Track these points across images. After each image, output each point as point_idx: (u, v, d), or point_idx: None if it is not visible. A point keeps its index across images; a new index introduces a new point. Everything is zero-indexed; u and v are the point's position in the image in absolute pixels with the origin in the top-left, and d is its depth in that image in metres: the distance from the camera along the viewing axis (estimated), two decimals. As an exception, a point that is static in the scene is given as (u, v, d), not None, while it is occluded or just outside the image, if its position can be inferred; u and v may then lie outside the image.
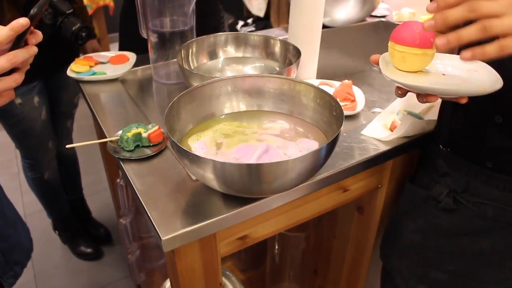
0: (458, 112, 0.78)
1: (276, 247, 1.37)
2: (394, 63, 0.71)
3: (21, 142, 1.59)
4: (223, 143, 0.80)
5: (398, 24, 0.73)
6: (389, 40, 0.70)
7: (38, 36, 0.67)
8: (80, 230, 2.00)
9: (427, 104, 0.93)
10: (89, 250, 1.96)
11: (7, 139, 1.62)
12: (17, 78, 0.66)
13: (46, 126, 1.59)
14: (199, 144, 0.80)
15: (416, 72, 0.70)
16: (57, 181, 1.79)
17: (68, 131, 1.78)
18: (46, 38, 0.68)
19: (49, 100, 1.59)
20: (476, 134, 0.75)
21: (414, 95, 0.69)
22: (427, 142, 0.89)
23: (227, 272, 1.40)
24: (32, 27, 0.64)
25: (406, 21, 0.70)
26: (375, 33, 1.56)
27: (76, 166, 1.94)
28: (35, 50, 0.66)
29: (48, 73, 1.54)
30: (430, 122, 0.90)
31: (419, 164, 0.91)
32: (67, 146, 0.88)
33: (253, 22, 3.27)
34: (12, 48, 0.64)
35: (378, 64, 0.71)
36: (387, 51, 0.72)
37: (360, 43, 1.55)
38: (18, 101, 1.43)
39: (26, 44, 0.65)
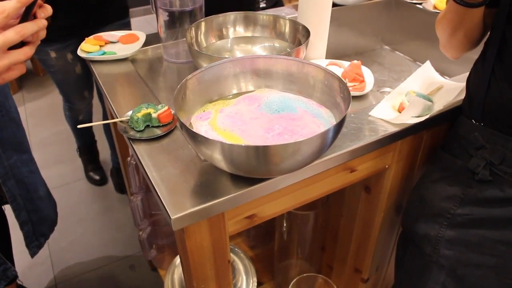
0: (492, 88, 0.78)
1: (285, 224, 1.39)
2: None
3: (60, 88, 1.90)
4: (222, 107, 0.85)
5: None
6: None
7: (47, 10, 0.68)
8: (95, 160, 2.33)
9: (436, 86, 0.93)
10: (97, 177, 2.30)
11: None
12: (27, 52, 0.67)
13: (81, 79, 1.82)
14: (200, 115, 0.82)
15: None
16: (89, 122, 2.00)
17: None
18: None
19: None
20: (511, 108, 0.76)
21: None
22: (456, 117, 0.89)
23: (236, 249, 1.43)
24: (39, 1, 0.64)
25: None
26: (386, 12, 1.54)
27: None
28: (44, 23, 0.67)
29: (82, 34, 1.59)
30: (438, 103, 0.90)
31: (449, 135, 0.91)
32: (78, 126, 0.89)
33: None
34: (21, 22, 0.65)
35: None
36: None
37: (371, 21, 1.53)
38: (53, 55, 1.66)
39: (35, 18, 0.66)
